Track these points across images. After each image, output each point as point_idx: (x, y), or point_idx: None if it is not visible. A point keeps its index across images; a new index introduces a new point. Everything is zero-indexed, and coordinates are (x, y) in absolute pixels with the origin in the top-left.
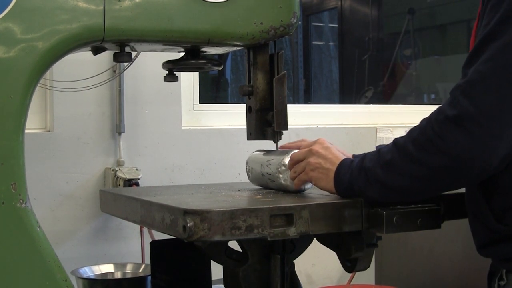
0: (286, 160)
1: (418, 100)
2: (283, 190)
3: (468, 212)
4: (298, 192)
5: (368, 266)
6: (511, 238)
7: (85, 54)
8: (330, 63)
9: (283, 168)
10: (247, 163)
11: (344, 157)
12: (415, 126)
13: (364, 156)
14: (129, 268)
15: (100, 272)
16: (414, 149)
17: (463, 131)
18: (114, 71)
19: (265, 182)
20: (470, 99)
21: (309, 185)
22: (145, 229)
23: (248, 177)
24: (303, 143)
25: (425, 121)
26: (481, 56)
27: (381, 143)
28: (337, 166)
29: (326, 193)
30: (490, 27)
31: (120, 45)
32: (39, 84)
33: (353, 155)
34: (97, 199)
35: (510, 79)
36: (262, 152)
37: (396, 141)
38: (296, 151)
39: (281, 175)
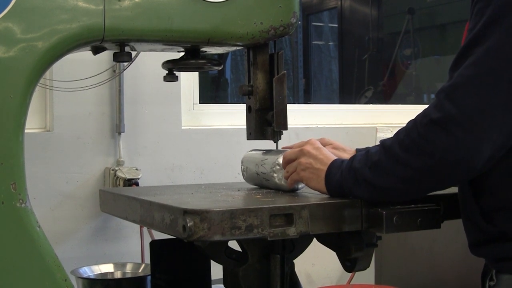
0: (281, 159)
1: (418, 100)
2: (278, 189)
3: (461, 213)
4: (292, 191)
5: (368, 266)
6: (500, 238)
7: (85, 54)
8: (330, 63)
9: (278, 167)
10: (242, 162)
11: (335, 158)
12: (402, 128)
13: (354, 156)
14: (129, 268)
15: (100, 272)
16: (400, 151)
17: (447, 133)
18: (114, 71)
19: (260, 181)
20: (454, 102)
21: (302, 185)
22: (144, 229)
23: (243, 176)
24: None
25: (411, 123)
26: (466, 60)
27: None
28: (327, 166)
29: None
30: (474, 31)
31: (120, 45)
32: (39, 84)
33: (356, 149)
34: (97, 199)
35: (492, 84)
36: (257, 152)
37: (383, 142)
38: (289, 150)
39: (275, 175)
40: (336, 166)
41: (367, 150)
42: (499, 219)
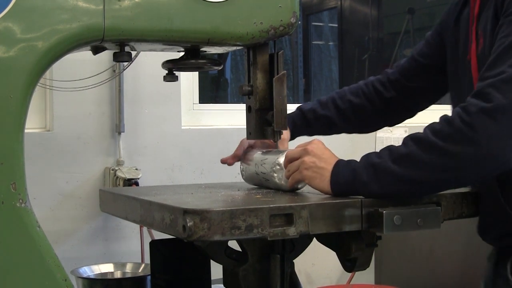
0: (281, 159)
1: None
2: (277, 189)
3: (483, 210)
4: (292, 191)
5: (368, 266)
6: None
7: (85, 54)
8: (330, 63)
9: (278, 167)
10: (241, 162)
11: (339, 158)
12: (433, 123)
13: (367, 155)
14: (128, 268)
15: (99, 272)
16: (438, 140)
17: (495, 122)
18: (114, 71)
19: (259, 181)
20: (504, 94)
21: (302, 184)
22: (144, 229)
23: (242, 176)
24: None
25: (450, 116)
26: (508, 60)
27: (381, 143)
28: (333, 165)
29: None
30: None
31: (120, 45)
32: (39, 84)
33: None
34: (96, 198)
35: None
36: (256, 151)
37: (412, 136)
38: (292, 149)
39: (275, 174)
40: (342, 165)
41: (386, 147)
42: None
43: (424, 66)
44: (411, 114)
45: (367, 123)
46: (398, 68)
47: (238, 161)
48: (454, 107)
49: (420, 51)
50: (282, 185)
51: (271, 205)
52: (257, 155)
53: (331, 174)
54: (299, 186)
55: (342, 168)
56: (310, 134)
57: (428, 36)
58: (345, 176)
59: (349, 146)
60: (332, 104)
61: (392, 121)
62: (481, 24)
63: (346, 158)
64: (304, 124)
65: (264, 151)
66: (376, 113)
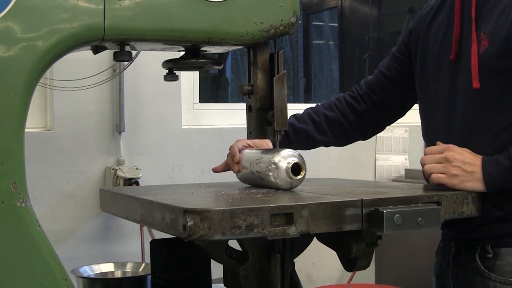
0: (276, 158)
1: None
2: (274, 188)
3: None
4: (290, 190)
5: (368, 265)
6: (503, 219)
7: (85, 53)
8: (330, 62)
9: (273, 166)
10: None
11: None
12: None
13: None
14: (129, 267)
15: (100, 271)
16: None
17: None
18: (114, 70)
19: (254, 180)
20: None
21: (297, 183)
22: (145, 228)
23: (236, 175)
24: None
25: None
26: None
27: (381, 143)
28: (481, 160)
29: (325, 191)
30: None
31: (120, 44)
32: (39, 83)
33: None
34: (97, 198)
35: None
36: (252, 151)
37: None
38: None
39: (271, 173)
40: (491, 160)
41: None
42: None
43: (390, 79)
44: (380, 129)
45: (342, 136)
46: (365, 83)
47: (228, 170)
48: (422, 105)
49: (388, 65)
50: (278, 184)
51: (271, 205)
52: (252, 154)
53: (482, 170)
54: (294, 184)
55: (491, 161)
56: (291, 148)
57: (393, 50)
58: (498, 170)
59: (349, 146)
60: (308, 118)
61: (367, 134)
62: (485, 27)
63: (345, 158)
64: (286, 138)
65: (260, 150)
66: (351, 126)
